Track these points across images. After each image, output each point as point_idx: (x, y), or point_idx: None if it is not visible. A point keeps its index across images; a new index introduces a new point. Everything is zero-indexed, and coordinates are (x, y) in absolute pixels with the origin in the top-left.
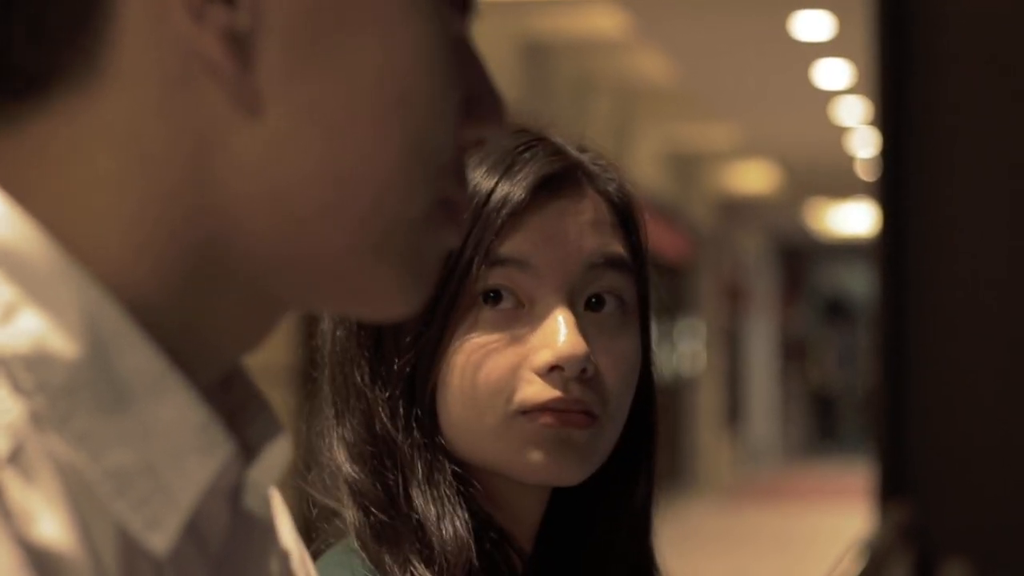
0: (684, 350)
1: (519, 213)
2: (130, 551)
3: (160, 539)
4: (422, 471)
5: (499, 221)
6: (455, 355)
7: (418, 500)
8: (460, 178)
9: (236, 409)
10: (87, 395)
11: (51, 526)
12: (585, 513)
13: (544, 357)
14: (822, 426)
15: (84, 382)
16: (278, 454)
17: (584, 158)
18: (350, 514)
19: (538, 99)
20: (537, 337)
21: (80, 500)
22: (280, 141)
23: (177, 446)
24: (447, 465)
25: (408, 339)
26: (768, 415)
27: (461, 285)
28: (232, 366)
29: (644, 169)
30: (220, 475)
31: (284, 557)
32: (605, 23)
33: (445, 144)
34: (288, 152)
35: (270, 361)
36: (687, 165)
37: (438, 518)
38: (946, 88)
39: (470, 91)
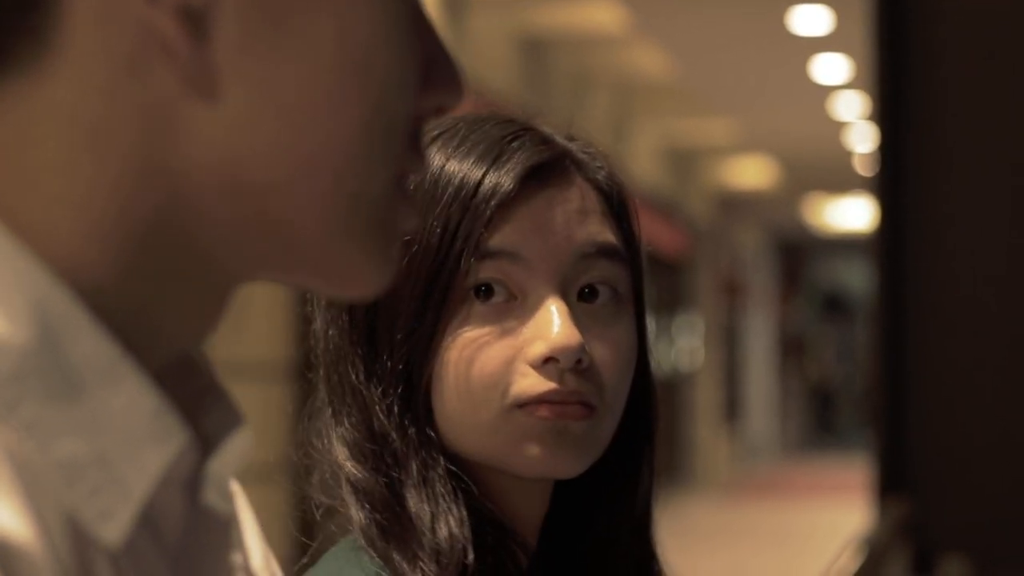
0: (682, 346)
1: (508, 204)
2: (84, 542)
3: (113, 530)
4: (416, 469)
5: (488, 212)
6: (448, 350)
7: (411, 499)
8: (417, 150)
9: (194, 399)
10: (36, 382)
11: (5, 515)
12: (589, 507)
13: (538, 349)
14: (820, 422)
15: (33, 369)
16: (238, 446)
17: (572, 146)
18: (354, 513)
19: (536, 94)
20: (530, 329)
21: (32, 490)
22: (237, 122)
23: (129, 434)
24: (441, 462)
25: (400, 335)
26: (766, 411)
27: (452, 279)
28: (187, 352)
29: (642, 164)
30: (174, 464)
31: (247, 554)
32: (603, 18)
33: (405, 116)
34: (245, 132)
35: (270, 356)
36: (685, 160)
37: (432, 518)
38: (944, 83)
39: (426, 60)
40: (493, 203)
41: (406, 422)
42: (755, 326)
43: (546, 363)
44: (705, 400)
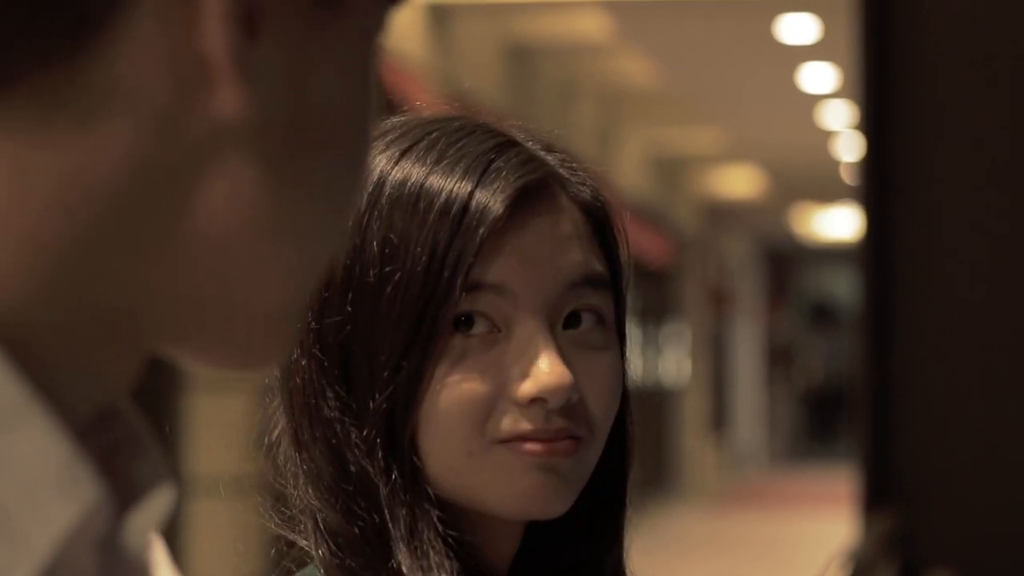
0: (669, 355)
1: (498, 231)
2: None
3: None
4: (404, 520)
5: (478, 240)
6: (434, 388)
7: (400, 553)
8: None
9: (117, 447)
10: None
11: None
12: (560, 541)
13: (527, 389)
14: (808, 432)
15: None
16: (162, 501)
17: (555, 161)
18: (321, 552)
19: (522, 103)
20: (517, 365)
21: None
22: (253, 201)
23: (34, 485)
24: (431, 512)
25: (386, 373)
26: (753, 420)
27: (438, 312)
28: (113, 400)
29: (628, 173)
30: (86, 521)
31: None
32: (589, 26)
33: None
34: (262, 211)
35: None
36: (672, 169)
37: (424, 573)
38: (931, 92)
39: None
40: (483, 231)
41: (392, 467)
42: (742, 335)
43: (532, 403)
44: (692, 410)
